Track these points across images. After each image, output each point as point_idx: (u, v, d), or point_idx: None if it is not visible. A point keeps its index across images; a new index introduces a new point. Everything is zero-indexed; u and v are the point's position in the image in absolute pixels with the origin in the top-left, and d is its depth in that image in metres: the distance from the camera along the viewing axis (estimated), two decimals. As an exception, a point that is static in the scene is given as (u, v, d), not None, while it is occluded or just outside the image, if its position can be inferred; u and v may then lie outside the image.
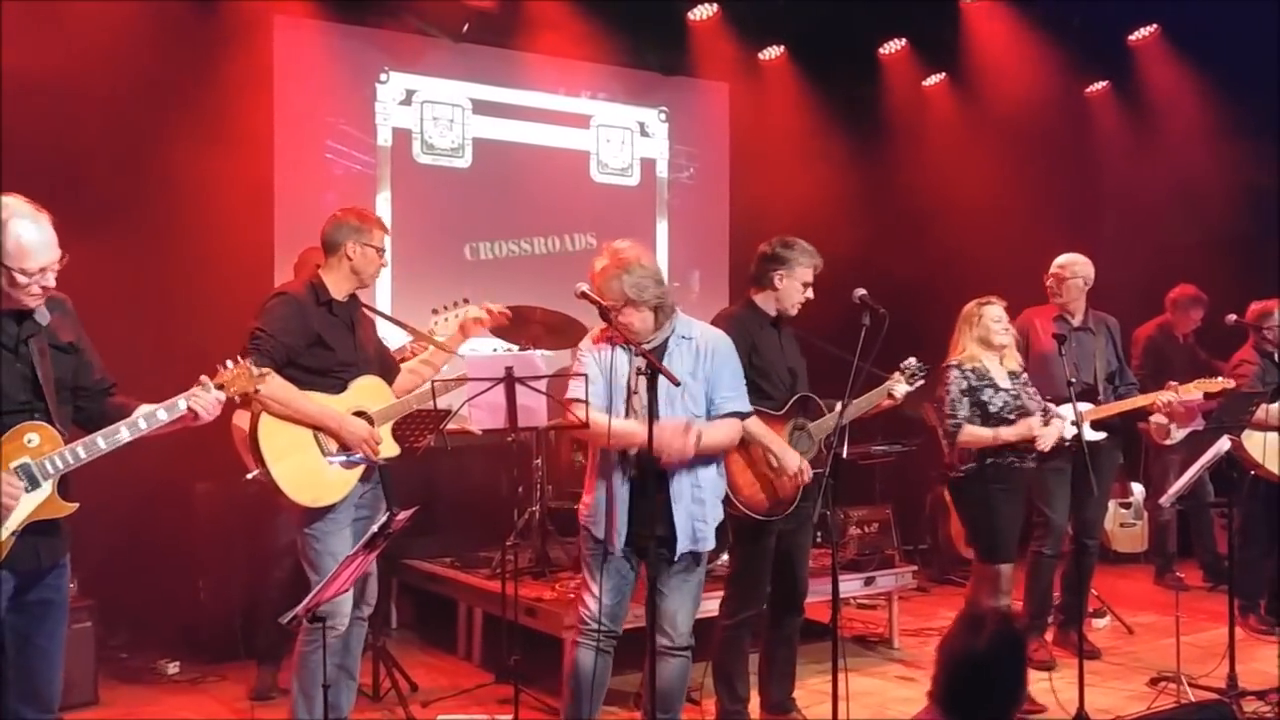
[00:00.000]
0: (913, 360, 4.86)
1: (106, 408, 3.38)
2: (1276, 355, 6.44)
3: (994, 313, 5.16)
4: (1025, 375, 5.26)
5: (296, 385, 4.01)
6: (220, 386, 3.35)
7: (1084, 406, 5.67)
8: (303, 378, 4.04)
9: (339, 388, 4.11)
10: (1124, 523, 7.93)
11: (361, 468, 4.11)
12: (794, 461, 4.44)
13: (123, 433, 3.22)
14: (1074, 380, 5.05)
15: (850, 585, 6.00)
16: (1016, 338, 5.29)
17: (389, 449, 4.21)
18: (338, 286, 4.20)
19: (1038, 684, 5.29)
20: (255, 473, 4.05)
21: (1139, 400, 5.83)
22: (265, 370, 3.45)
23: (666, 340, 3.97)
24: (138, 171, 6.01)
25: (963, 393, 5.05)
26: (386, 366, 4.36)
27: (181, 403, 3.29)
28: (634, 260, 3.88)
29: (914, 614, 6.35)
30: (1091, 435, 5.68)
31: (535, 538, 6.10)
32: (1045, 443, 5.03)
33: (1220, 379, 5.88)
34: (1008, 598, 5.17)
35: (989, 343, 5.12)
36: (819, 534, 6.19)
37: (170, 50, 6.03)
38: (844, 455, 4.35)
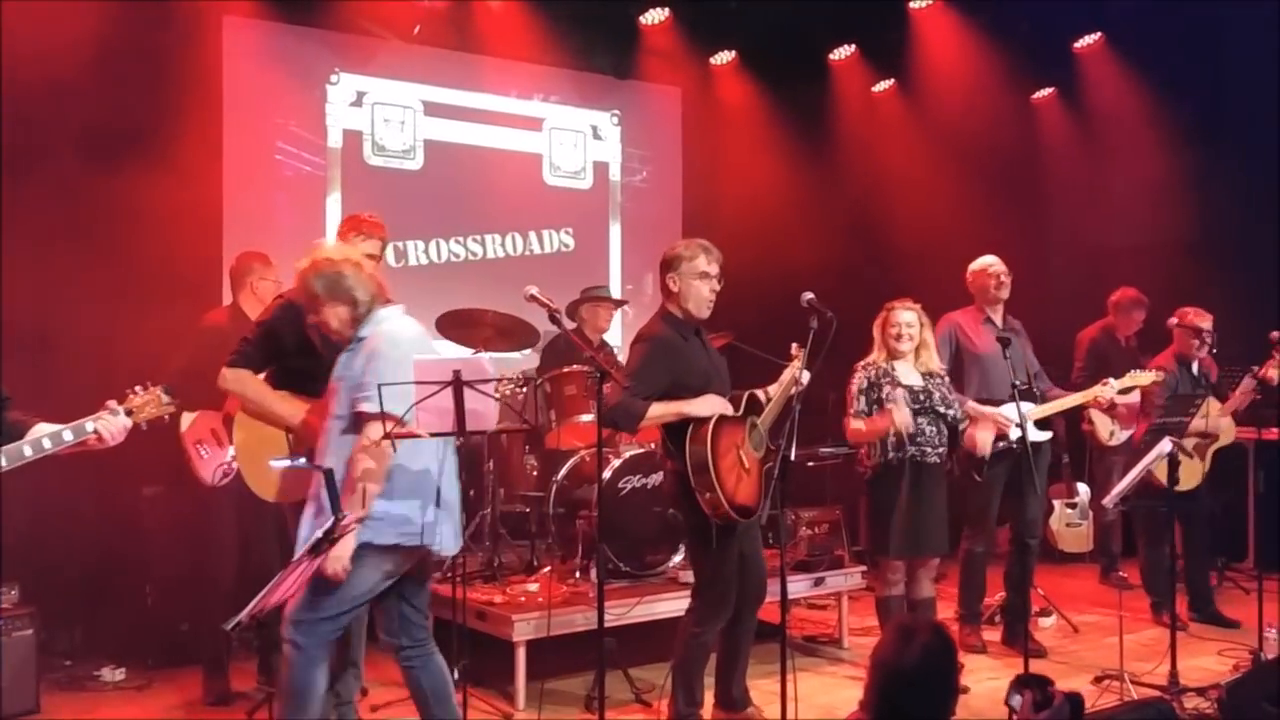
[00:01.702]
0: (794, 345, 4.74)
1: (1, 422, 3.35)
2: (1194, 366, 6.53)
3: (895, 318, 5.29)
4: (945, 378, 5.39)
5: (282, 383, 4.21)
6: (129, 412, 3.33)
7: (1029, 406, 5.79)
8: (287, 378, 4.21)
9: (318, 393, 4.14)
10: (1070, 523, 8.03)
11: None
12: (708, 406, 4.43)
13: (26, 451, 3.21)
14: (1018, 382, 5.14)
15: (800, 586, 6.05)
16: (919, 337, 5.35)
17: None
18: None
19: (985, 684, 5.36)
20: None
21: (1077, 397, 5.98)
22: (174, 402, 3.46)
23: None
24: (84, 172, 5.93)
25: (861, 390, 5.27)
26: None
27: (88, 425, 3.28)
28: (326, 261, 3.86)
29: (863, 614, 6.39)
30: (1038, 435, 5.82)
31: (487, 541, 6.09)
32: (899, 421, 5.10)
33: (1150, 373, 6.08)
34: (899, 588, 5.35)
35: (892, 348, 5.28)
36: (770, 535, 6.26)
37: (117, 50, 5.95)
38: (792, 457, 4.37)
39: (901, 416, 5.11)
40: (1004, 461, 5.86)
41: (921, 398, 5.22)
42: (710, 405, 4.45)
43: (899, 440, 5.19)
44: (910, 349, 5.30)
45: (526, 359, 6.93)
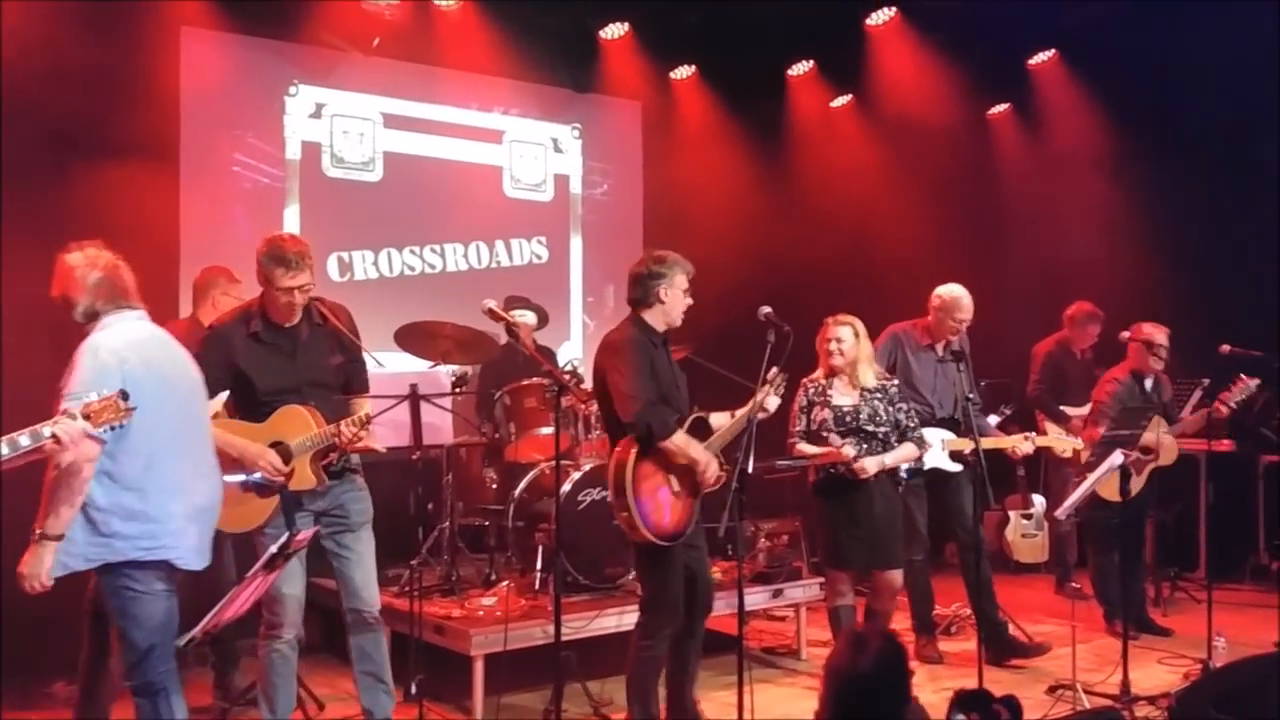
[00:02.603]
0: (774, 370, 4.74)
1: None
2: (1148, 381, 6.59)
3: (829, 333, 5.34)
4: (892, 389, 5.41)
5: (240, 410, 4.20)
6: (87, 416, 3.29)
7: (947, 435, 5.96)
8: (242, 404, 4.21)
9: (263, 418, 4.14)
10: (1025, 533, 8.11)
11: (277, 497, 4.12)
12: (714, 469, 4.52)
13: None
14: (972, 396, 5.20)
15: (758, 597, 6.09)
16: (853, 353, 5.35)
17: (303, 480, 4.18)
18: (275, 313, 4.23)
19: (941, 693, 5.40)
20: None
21: (992, 442, 6.02)
22: (133, 406, 3.39)
23: None
24: (38, 183, 5.87)
25: (801, 409, 5.35)
26: (350, 388, 4.37)
27: (46, 430, 3.23)
28: (65, 268, 3.77)
29: (822, 625, 6.41)
30: (948, 465, 5.95)
31: (445, 554, 6.07)
32: (863, 470, 5.20)
33: (1072, 440, 6.38)
34: (848, 599, 5.42)
35: (826, 364, 5.34)
36: (729, 547, 6.29)
37: (74, 61, 5.91)
38: (750, 470, 4.40)
39: (847, 454, 5.22)
40: (923, 474, 5.98)
41: (849, 419, 5.26)
42: (709, 459, 4.52)
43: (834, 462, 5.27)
44: (843, 364, 5.31)
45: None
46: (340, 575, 4.39)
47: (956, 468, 6.00)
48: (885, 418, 5.32)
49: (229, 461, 4.06)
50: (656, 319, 4.64)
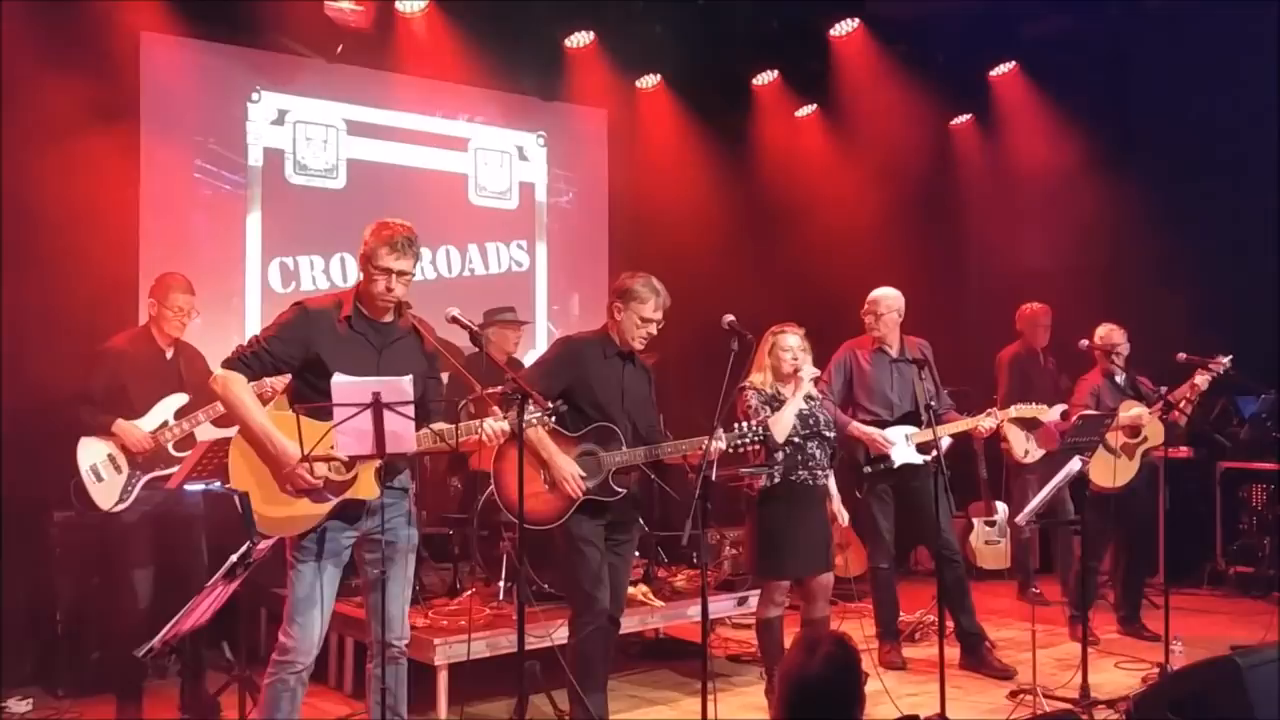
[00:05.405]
0: (745, 425, 4.76)
1: None
2: (1119, 377, 6.74)
3: (784, 341, 5.25)
4: (820, 399, 5.42)
5: (303, 399, 3.87)
6: None
7: (910, 429, 5.99)
8: (308, 394, 3.88)
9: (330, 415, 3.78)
10: (988, 540, 8.17)
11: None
12: (565, 468, 4.52)
13: None
14: (933, 404, 5.23)
15: (724, 605, 6.09)
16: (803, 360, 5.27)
17: (365, 489, 3.92)
18: (369, 300, 4.00)
19: (904, 699, 5.43)
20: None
21: (962, 423, 6.07)
22: None
23: None
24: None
25: (763, 403, 5.14)
26: (424, 407, 3.98)
27: None
28: None
29: (787, 632, 6.43)
30: (916, 458, 5.96)
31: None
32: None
33: (1034, 405, 6.37)
34: (781, 609, 5.30)
35: (779, 371, 5.23)
36: (694, 555, 6.30)
37: (32, 66, 5.85)
38: (713, 478, 4.40)
39: (809, 371, 5.15)
40: (887, 479, 6.03)
41: (810, 422, 5.21)
42: (567, 470, 4.53)
43: (791, 464, 5.15)
44: (795, 372, 5.21)
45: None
46: (374, 604, 3.98)
47: (923, 458, 5.98)
48: (830, 421, 5.32)
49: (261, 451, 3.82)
50: (616, 333, 4.74)
